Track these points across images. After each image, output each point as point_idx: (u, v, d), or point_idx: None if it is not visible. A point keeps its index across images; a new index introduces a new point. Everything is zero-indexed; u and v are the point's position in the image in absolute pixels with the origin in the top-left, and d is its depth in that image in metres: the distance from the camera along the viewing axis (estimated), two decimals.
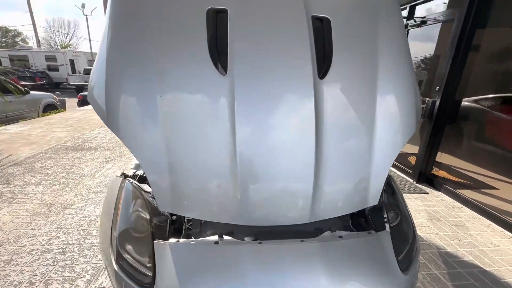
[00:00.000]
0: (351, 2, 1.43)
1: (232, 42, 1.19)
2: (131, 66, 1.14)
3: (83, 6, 26.13)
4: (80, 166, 3.46)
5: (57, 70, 19.03)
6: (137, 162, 1.62)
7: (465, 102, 3.19)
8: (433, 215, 2.62)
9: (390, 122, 1.26)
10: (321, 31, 1.31)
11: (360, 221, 1.34)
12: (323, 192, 1.15)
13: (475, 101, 3.13)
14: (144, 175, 1.46)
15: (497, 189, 3.06)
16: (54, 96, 8.72)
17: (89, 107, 8.13)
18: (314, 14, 1.31)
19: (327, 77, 1.22)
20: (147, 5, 1.19)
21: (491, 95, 3.03)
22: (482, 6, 2.77)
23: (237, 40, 1.19)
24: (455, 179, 3.32)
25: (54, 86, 18.70)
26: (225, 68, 1.16)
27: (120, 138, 1.11)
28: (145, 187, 1.33)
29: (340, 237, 1.10)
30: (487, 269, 1.89)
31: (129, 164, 3.34)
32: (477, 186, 3.11)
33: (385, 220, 1.24)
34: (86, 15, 26.53)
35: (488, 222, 2.55)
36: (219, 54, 1.19)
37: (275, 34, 1.25)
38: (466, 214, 2.69)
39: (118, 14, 1.18)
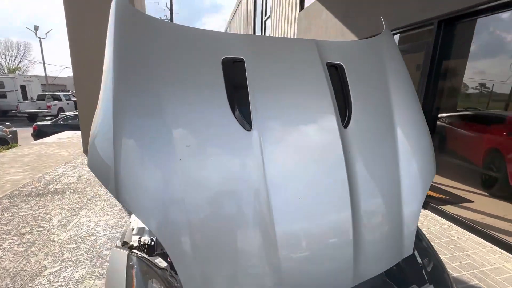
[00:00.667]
0: (359, 47, 1.46)
1: (253, 94, 1.12)
2: (143, 128, 1.00)
3: (36, 28, 24.41)
4: (46, 216, 2.99)
5: (5, 97, 17.16)
6: (140, 225, 1.40)
7: (438, 122, 3.48)
8: (429, 237, 2.70)
9: (413, 167, 1.26)
10: (337, 78, 1.30)
11: (393, 271, 1.29)
12: (364, 250, 1.08)
13: (446, 122, 3.43)
14: (153, 244, 1.26)
15: (473, 202, 3.30)
16: (4, 129, 7.73)
17: (48, 139, 7.33)
18: (328, 61, 1.30)
19: (350, 126, 1.20)
20: (155, 57, 1.08)
21: (457, 114, 3.36)
22: (447, 40, 3.10)
23: (258, 92, 1.13)
24: (437, 195, 3.52)
25: (1, 114, 16.80)
26: (249, 123, 1.07)
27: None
28: (158, 261, 1.13)
29: None
30: None
31: (125, 223, 2.98)
32: (457, 201, 3.32)
33: (421, 266, 1.20)
34: (40, 38, 24.78)
35: (478, 238, 2.69)
36: (240, 108, 1.10)
37: (295, 84, 1.21)
38: (457, 232, 2.83)
39: (123, 66, 1.04)
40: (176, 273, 1.07)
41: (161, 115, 1.02)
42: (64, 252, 2.33)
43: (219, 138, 1.04)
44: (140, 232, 1.35)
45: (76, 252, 2.32)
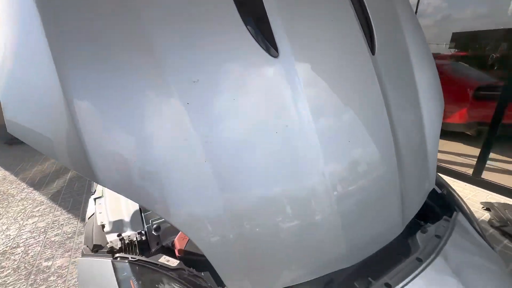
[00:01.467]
0: None
1: (271, 7, 0.79)
2: (113, 77, 0.63)
3: None
4: None
5: None
6: (114, 218, 0.97)
7: None
8: None
9: (429, 97, 1.19)
10: None
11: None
12: (407, 188, 0.98)
13: None
14: (145, 238, 0.89)
15: None
16: None
17: None
18: None
19: (377, 53, 1.02)
20: None
21: None
22: None
23: (276, 5, 0.80)
24: None
25: None
26: (273, 46, 0.76)
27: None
28: (163, 260, 0.79)
29: (438, 236, 0.96)
30: None
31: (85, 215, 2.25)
32: None
33: (442, 196, 1.20)
34: None
35: None
36: (257, 26, 0.77)
37: None
38: None
39: None
40: (198, 270, 0.76)
41: (138, 45, 0.64)
42: None
43: (238, 67, 0.71)
44: (117, 227, 0.94)
45: (5, 275, 1.67)
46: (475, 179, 2.63)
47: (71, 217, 2.25)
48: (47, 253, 1.83)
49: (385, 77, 1.00)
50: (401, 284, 0.74)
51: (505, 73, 3.49)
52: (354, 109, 0.86)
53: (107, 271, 0.73)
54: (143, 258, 0.77)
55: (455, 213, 1.10)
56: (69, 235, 2.01)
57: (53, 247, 1.89)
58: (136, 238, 0.87)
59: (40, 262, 1.75)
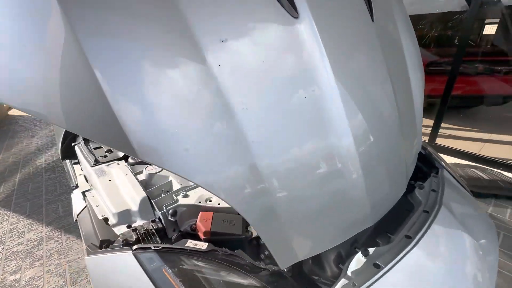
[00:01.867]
0: None
1: None
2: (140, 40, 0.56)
3: None
4: None
5: None
6: (117, 209, 0.85)
7: None
8: None
9: (413, 65, 1.27)
10: None
11: None
12: (406, 148, 1.05)
13: None
14: (162, 226, 0.81)
15: None
16: None
17: None
18: None
19: (375, 20, 1.04)
20: None
21: None
22: None
23: None
24: None
25: None
26: (293, 6, 0.73)
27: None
28: (191, 244, 0.73)
29: (434, 190, 1.06)
30: None
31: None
32: None
33: (426, 156, 1.30)
34: None
35: None
36: None
37: None
38: None
39: None
40: (231, 249, 0.72)
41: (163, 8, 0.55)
42: None
43: (262, 26, 0.66)
44: (124, 218, 0.83)
45: None
46: (431, 145, 2.98)
47: (33, 222, 1.95)
48: (12, 265, 1.58)
49: (382, 44, 1.03)
50: (419, 234, 0.81)
51: (440, 50, 3.94)
52: (367, 73, 0.88)
53: (130, 264, 0.64)
54: (167, 245, 0.70)
55: (440, 169, 1.21)
56: (35, 242, 1.75)
57: (18, 258, 1.63)
58: (152, 226, 0.78)
59: (5, 277, 1.49)
